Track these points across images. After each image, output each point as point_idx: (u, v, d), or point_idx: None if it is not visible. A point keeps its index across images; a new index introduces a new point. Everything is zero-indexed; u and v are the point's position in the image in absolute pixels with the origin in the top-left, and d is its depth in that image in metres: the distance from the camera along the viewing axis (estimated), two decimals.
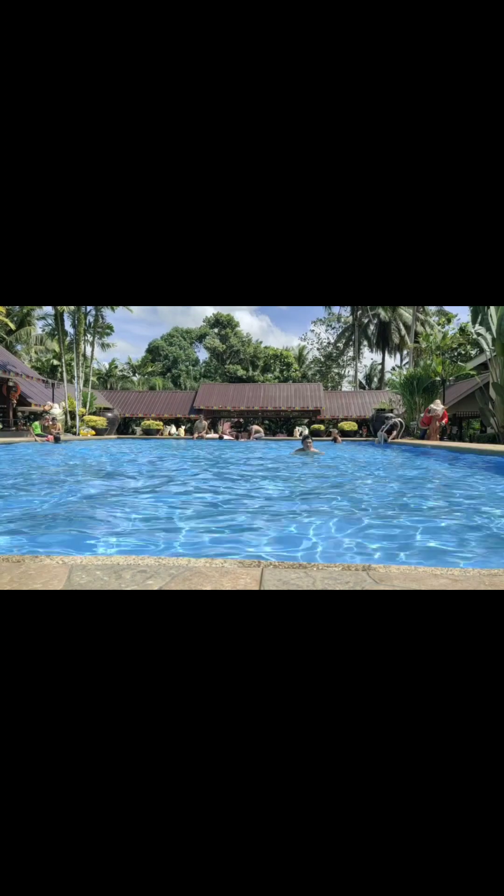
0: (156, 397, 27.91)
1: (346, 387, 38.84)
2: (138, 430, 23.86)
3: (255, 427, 21.49)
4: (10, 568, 1.55)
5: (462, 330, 16.07)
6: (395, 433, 15.58)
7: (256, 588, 1.36)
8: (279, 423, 27.58)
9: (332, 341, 38.28)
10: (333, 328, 37.89)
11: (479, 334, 11.56)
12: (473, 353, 18.58)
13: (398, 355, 35.07)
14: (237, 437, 20.92)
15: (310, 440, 9.76)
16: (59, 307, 20.82)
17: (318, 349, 39.88)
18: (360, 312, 34.14)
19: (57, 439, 13.49)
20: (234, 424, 25.97)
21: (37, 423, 14.82)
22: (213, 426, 24.79)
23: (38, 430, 14.32)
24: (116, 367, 39.19)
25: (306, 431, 24.53)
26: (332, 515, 3.26)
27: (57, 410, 17.19)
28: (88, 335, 24.34)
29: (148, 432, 22.78)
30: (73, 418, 18.93)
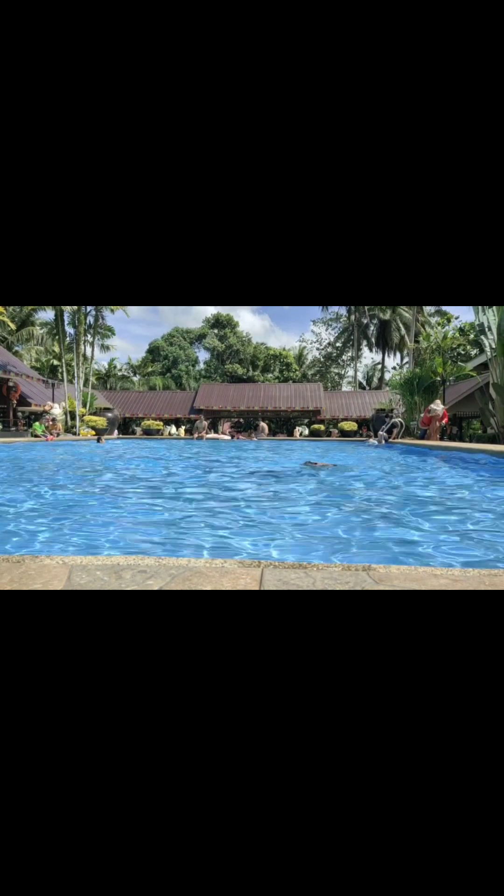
0: (156, 397, 27.92)
1: (345, 387, 38.83)
2: (138, 430, 23.87)
3: (262, 425, 21.50)
4: (10, 568, 1.55)
5: (461, 330, 16.05)
6: (395, 433, 15.58)
7: (256, 588, 1.36)
8: (279, 424, 27.60)
9: (332, 341, 38.27)
10: (333, 328, 37.90)
11: (482, 333, 11.55)
12: (473, 353, 18.59)
13: (398, 355, 35.06)
14: (235, 437, 20.91)
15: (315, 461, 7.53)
16: (59, 307, 20.82)
17: (317, 349, 39.92)
18: (358, 314, 34.12)
19: (38, 435, 13.98)
20: (234, 424, 25.98)
21: (38, 423, 14.96)
22: (213, 426, 24.78)
23: (41, 430, 14.48)
24: (116, 367, 39.22)
25: (306, 431, 24.47)
26: (332, 515, 3.26)
27: (57, 410, 17.22)
28: (88, 335, 24.35)
29: (148, 432, 22.78)
30: (73, 418, 18.93)
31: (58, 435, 14.61)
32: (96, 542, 2.54)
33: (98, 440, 16.19)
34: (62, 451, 10.92)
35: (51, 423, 15.19)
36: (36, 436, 14.28)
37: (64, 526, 2.92)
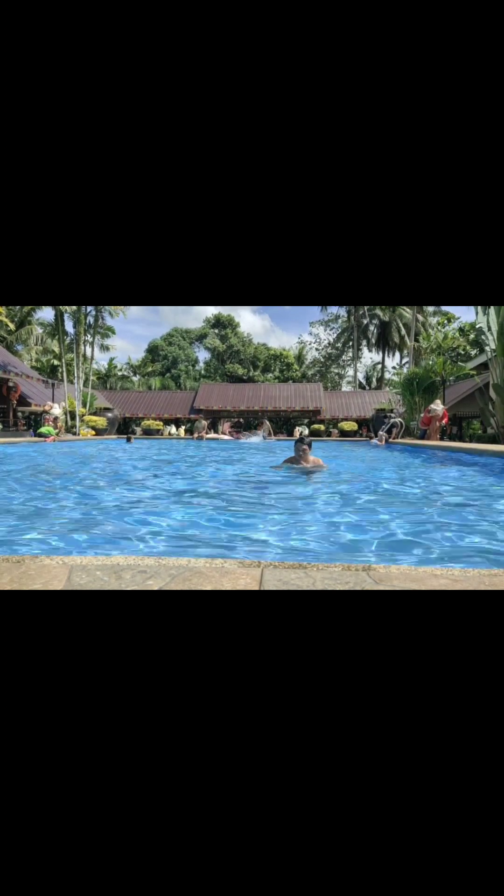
0: (156, 397, 27.91)
1: (345, 387, 38.82)
2: (138, 430, 23.89)
3: (266, 424, 21.44)
4: (10, 568, 1.55)
5: (461, 330, 16.06)
6: (395, 433, 15.59)
7: (256, 588, 1.36)
8: (279, 424, 27.61)
9: (332, 342, 38.28)
10: (332, 328, 37.92)
11: (482, 333, 11.55)
12: (473, 353, 18.58)
13: (398, 355, 35.07)
14: (238, 437, 20.91)
15: (307, 445, 5.81)
16: (59, 307, 20.83)
17: (317, 349, 39.93)
18: (359, 314, 34.12)
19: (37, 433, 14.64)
20: (234, 424, 25.98)
21: (48, 426, 15.07)
22: (213, 426, 24.77)
23: (52, 431, 14.55)
24: (116, 367, 39.22)
25: (306, 431, 24.33)
26: (332, 515, 3.26)
27: (57, 410, 17.24)
28: (88, 335, 24.35)
29: (148, 432, 22.78)
30: (73, 418, 18.94)
31: (58, 434, 14.73)
32: (99, 541, 2.55)
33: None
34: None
35: (52, 422, 15.31)
36: (41, 435, 14.34)
37: (69, 525, 2.92)
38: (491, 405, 11.79)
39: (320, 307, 35.90)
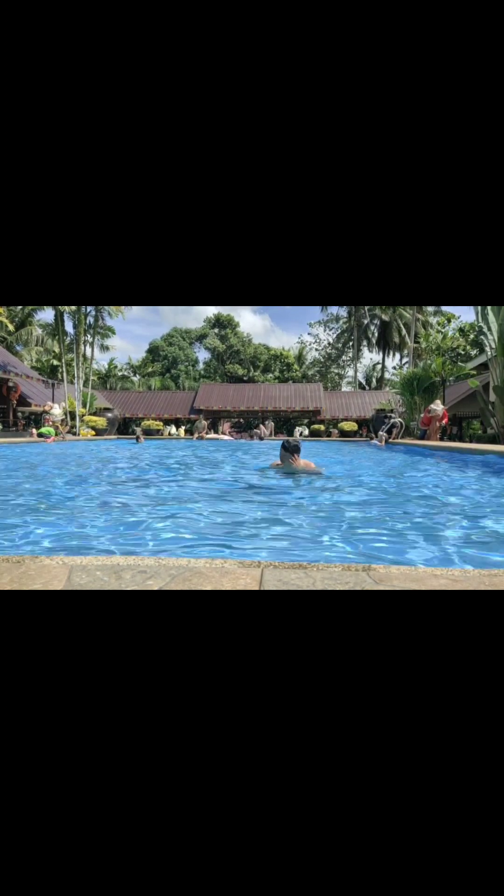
0: (156, 397, 27.92)
1: (345, 387, 38.82)
2: (138, 430, 23.94)
3: (269, 424, 21.41)
4: (10, 568, 1.55)
5: (461, 330, 16.07)
6: (395, 433, 15.59)
7: (256, 588, 1.36)
8: (279, 424, 27.63)
9: (332, 342, 38.29)
10: (332, 328, 37.94)
11: (482, 333, 11.55)
12: (473, 353, 18.59)
13: (398, 355, 35.08)
14: (240, 437, 20.91)
15: (291, 451, 5.13)
16: (59, 307, 20.86)
17: (317, 350, 39.97)
18: (359, 314, 34.12)
19: (39, 434, 14.73)
20: (234, 425, 26.02)
21: (48, 427, 15.12)
22: (213, 426, 24.78)
23: (52, 431, 14.60)
24: (116, 367, 39.24)
25: (306, 431, 24.32)
26: (332, 516, 3.26)
27: (57, 410, 17.27)
28: (88, 336, 24.36)
29: (148, 433, 22.82)
30: (73, 419, 18.95)
31: (57, 433, 14.77)
32: (98, 542, 2.55)
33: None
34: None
35: (52, 422, 15.39)
36: (41, 436, 14.40)
37: (68, 526, 2.92)
38: (490, 406, 11.79)
39: (320, 307, 35.92)
